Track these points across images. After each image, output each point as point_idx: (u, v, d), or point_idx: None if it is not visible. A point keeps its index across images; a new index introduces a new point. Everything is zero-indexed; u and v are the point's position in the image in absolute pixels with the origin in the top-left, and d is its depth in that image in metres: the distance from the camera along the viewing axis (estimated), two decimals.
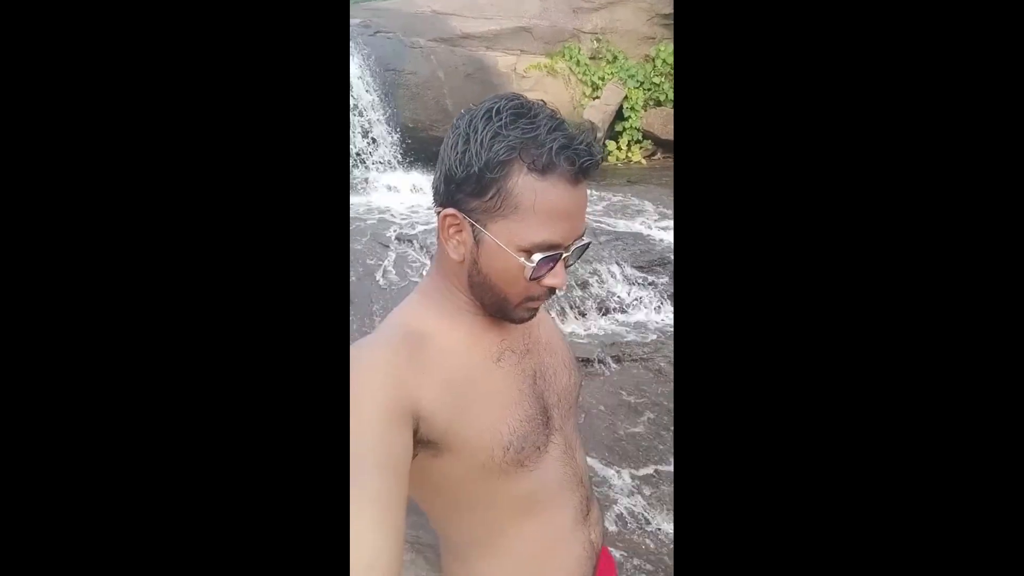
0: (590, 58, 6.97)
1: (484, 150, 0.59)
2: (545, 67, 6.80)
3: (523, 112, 0.59)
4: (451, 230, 0.64)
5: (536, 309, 0.68)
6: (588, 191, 0.64)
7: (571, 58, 6.90)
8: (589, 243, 0.67)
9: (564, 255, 0.63)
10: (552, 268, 0.62)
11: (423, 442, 0.62)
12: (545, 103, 0.63)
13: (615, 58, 6.90)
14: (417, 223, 3.77)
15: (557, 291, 0.66)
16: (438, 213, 0.64)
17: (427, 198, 5.00)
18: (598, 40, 7.08)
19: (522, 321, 0.69)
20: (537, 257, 0.60)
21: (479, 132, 0.59)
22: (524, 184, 0.59)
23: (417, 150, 5.79)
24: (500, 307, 0.66)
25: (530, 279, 0.62)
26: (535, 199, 0.59)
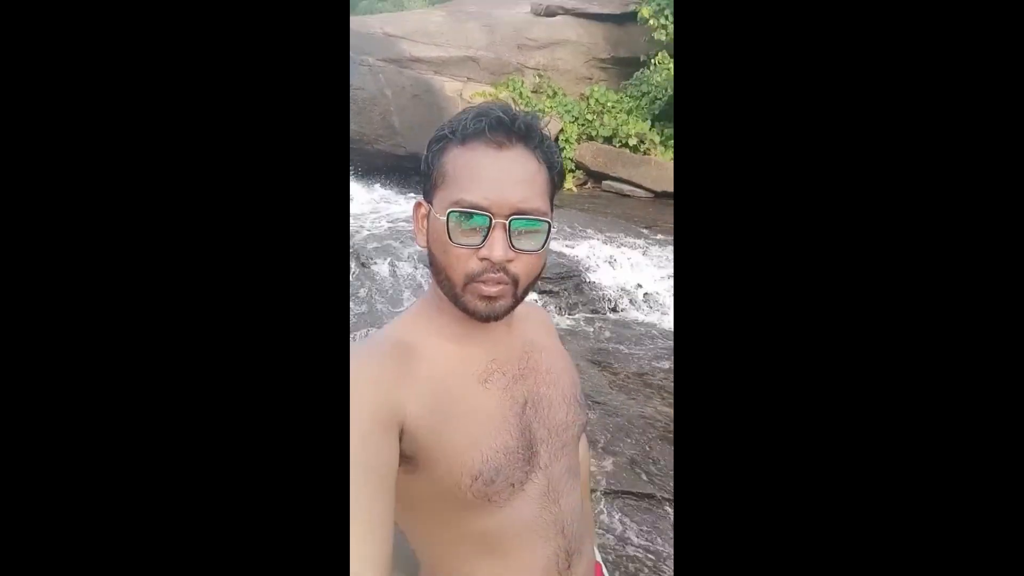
0: (532, 91, 7.46)
1: (430, 140, 0.64)
2: (490, 95, 7.15)
3: (474, 108, 0.64)
4: (423, 221, 0.67)
5: (493, 301, 0.63)
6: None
7: (514, 89, 7.36)
8: (548, 223, 0.64)
9: (496, 222, 0.60)
10: (486, 238, 0.60)
11: (403, 455, 0.60)
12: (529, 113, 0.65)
13: (555, 93, 7.41)
14: (353, 231, 4.04)
15: (508, 269, 0.62)
16: None
17: (360, 206, 5.22)
18: (540, 76, 7.61)
19: (482, 317, 0.64)
20: (448, 210, 0.60)
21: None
22: (450, 154, 0.62)
23: (358, 162, 6.06)
24: (451, 290, 0.64)
25: (452, 241, 0.60)
26: (457, 163, 0.62)
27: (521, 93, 7.35)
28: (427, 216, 0.65)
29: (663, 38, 6.72)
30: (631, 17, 7.23)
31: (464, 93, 7.25)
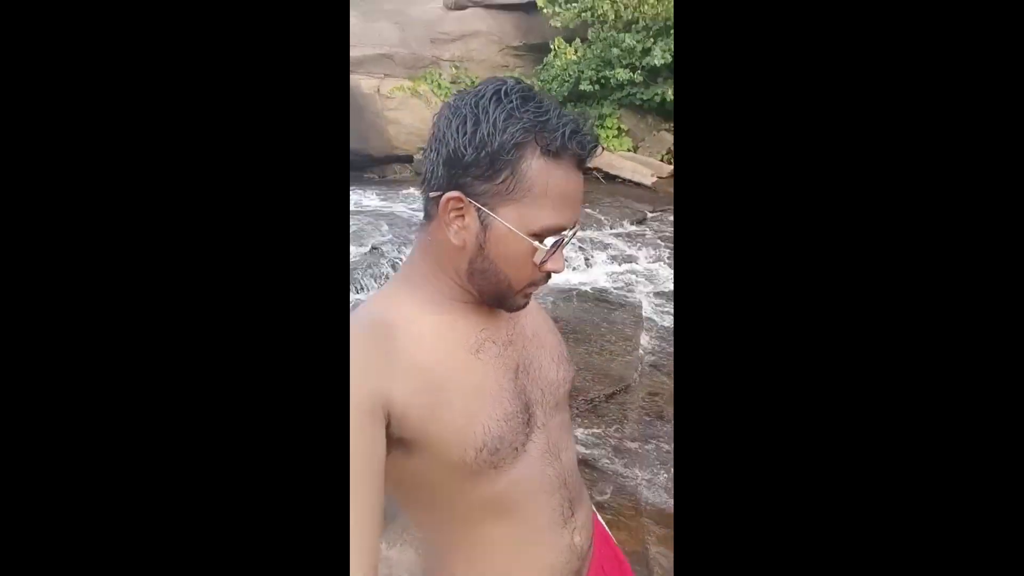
0: (451, 82, 7.56)
1: (498, 132, 0.57)
2: (408, 89, 7.56)
3: (530, 96, 0.59)
4: (453, 214, 0.61)
5: (530, 296, 0.66)
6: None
7: (432, 82, 7.62)
8: (577, 229, 0.66)
9: (566, 240, 0.63)
10: (554, 253, 0.62)
11: (394, 440, 0.59)
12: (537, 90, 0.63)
13: (473, 83, 7.76)
14: None
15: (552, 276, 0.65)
16: (430, 197, 0.63)
17: None
18: (456, 67, 7.24)
19: (517, 309, 0.66)
20: (549, 241, 0.60)
21: (491, 113, 0.57)
22: (537, 167, 0.58)
23: None
24: (501, 294, 0.64)
25: (538, 263, 0.61)
26: (548, 183, 0.58)
27: (439, 84, 7.57)
28: (472, 215, 0.61)
29: (558, 24, 7.27)
30: (535, 6, 7.33)
31: (382, 88, 7.60)
